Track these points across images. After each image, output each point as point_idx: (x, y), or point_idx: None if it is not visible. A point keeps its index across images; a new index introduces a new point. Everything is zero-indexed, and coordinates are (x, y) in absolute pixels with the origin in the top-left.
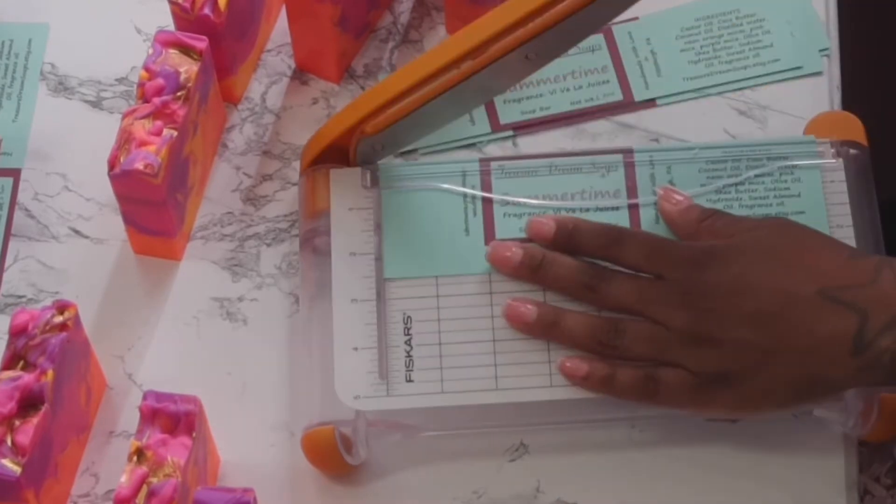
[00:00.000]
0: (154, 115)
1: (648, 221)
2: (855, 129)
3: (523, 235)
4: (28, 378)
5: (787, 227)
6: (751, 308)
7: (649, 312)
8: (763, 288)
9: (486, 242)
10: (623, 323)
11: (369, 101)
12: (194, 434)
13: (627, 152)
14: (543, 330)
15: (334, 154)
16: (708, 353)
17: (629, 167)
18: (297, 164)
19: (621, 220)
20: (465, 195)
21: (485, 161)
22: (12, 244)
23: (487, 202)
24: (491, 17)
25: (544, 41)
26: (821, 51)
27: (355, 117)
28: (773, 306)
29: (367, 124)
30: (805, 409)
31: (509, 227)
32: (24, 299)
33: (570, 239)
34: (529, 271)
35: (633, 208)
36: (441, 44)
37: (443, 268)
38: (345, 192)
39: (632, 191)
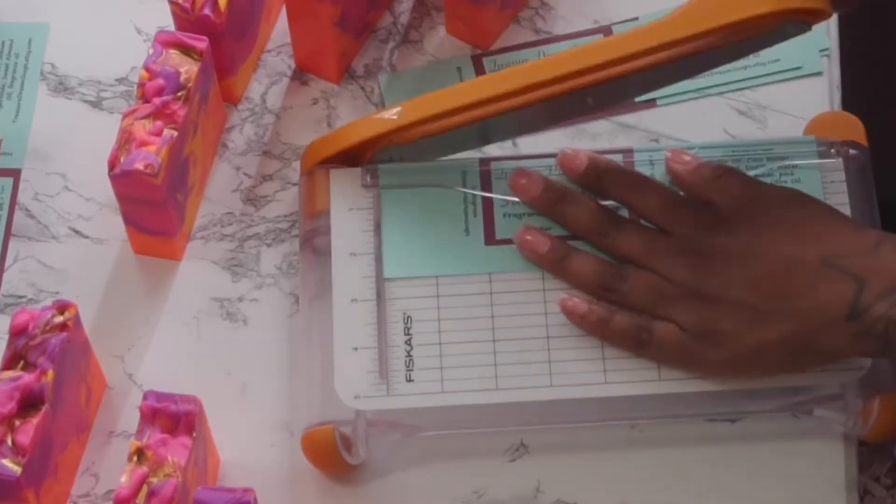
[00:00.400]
0: (154, 115)
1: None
2: (855, 129)
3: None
4: (28, 378)
5: (796, 197)
6: (753, 271)
7: (654, 264)
8: (767, 253)
9: (486, 243)
10: (627, 269)
11: (412, 112)
12: (194, 434)
13: (627, 152)
14: (552, 263)
15: (339, 156)
16: (704, 310)
17: (629, 167)
18: (297, 165)
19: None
20: (465, 195)
21: (485, 161)
22: (12, 244)
23: (487, 202)
24: (562, 57)
25: (607, 91)
26: (821, 51)
27: (389, 126)
28: (775, 271)
29: (399, 135)
30: (793, 376)
31: (509, 227)
32: (24, 299)
33: (597, 178)
34: (548, 203)
35: None
36: (499, 73)
37: (443, 268)
38: (345, 193)
39: None
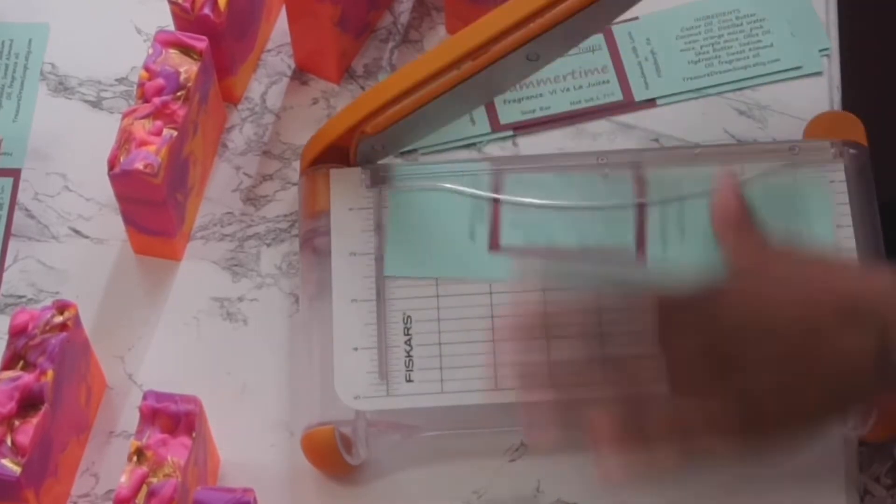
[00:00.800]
0: (154, 115)
1: (656, 222)
2: (855, 129)
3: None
4: (28, 378)
5: (793, 253)
6: (774, 350)
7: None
8: (782, 322)
9: (490, 248)
10: (643, 407)
11: (370, 101)
12: (194, 434)
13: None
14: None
15: (334, 154)
16: (738, 406)
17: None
18: (297, 164)
19: (626, 220)
20: (473, 200)
21: (489, 162)
22: (12, 244)
23: (496, 209)
24: (492, 17)
25: (546, 41)
26: (821, 51)
27: (355, 117)
28: (795, 341)
29: (368, 125)
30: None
31: (515, 235)
32: (24, 299)
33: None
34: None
35: (641, 207)
36: (442, 44)
37: (444, 270)
38: (345, 193)
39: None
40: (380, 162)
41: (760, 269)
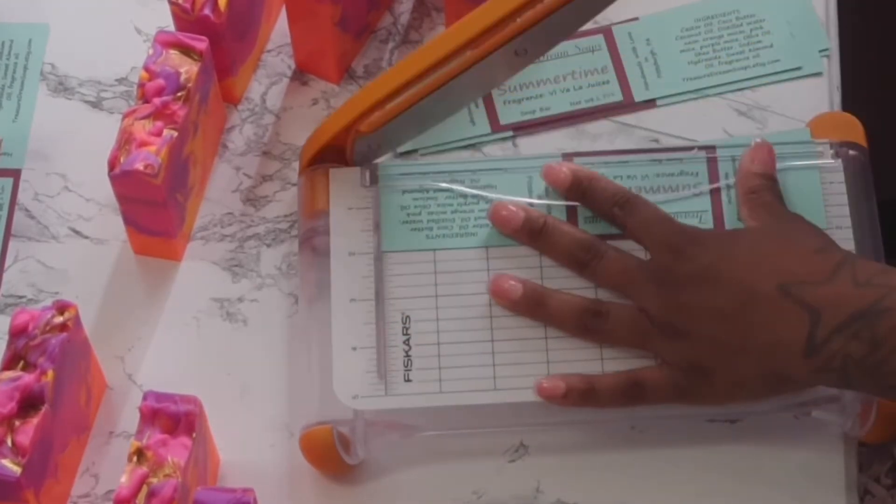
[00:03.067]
0: (154, 115)
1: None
2: (854, 129)
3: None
4: (28, 378)
5: (775, 219)
6: (714, 303)
7: (631, 295)
8: (727, 282)
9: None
10: (606, 306)
11: (362, 100)
12: (194, 434)
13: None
14: (529, 309)
15: (333, 154)
16: (681, 344)
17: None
18: (297, 165)
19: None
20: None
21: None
22: (12, 244)
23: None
24: (479, 13)
25: (534, 35)
26: (821, 51)
27: (350, 116)
28: (735, 302)
29: (363, 123)
30: (783, 399)
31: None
32: (24, 299)
33: (583, 193)
34: (528, 235)
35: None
36: (432, 41)
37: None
38: (344, 192)
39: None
40: (378, 161)
41: (740, 229)
